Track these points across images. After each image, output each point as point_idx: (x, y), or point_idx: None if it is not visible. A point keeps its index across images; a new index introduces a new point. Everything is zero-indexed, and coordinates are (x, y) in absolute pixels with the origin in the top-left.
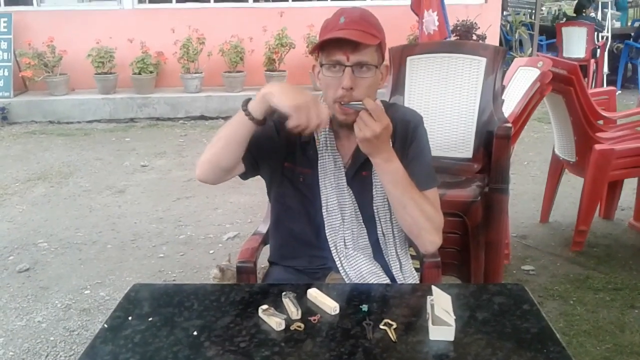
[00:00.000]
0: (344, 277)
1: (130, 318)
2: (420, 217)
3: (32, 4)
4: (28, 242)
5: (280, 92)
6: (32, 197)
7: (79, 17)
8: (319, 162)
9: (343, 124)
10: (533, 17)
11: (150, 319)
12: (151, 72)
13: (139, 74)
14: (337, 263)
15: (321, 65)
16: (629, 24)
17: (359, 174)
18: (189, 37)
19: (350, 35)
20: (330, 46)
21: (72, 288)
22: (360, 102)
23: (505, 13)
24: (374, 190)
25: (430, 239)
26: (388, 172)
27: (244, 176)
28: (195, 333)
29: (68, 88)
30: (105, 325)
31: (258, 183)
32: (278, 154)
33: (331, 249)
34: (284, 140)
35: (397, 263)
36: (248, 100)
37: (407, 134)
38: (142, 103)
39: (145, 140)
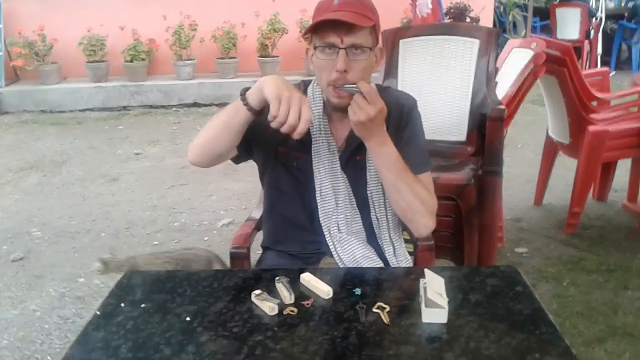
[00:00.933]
0: (338, 261)
1: (122, 305)
2: (414, 200)
3: None
4: (22, 231)
5: (271, 81)
6: (25, 186)
7: (69, 5)
8: (312, 146)
9: (337, 107)
10: None
11: (142, 305)
12: (143, 59)
13: (131, 61)
14: (330, 247)
15: (315, 48)
16: (623, 4)
17: (353, 158)
18: (181, 24)
19: (344, 16)
20: (324, 28)
21: (66, 276)
22: (355, 85)
23: None
24: (367, 174)
25: (424, 223)
26: (382, 155)
27: (237, 160)
28: (188, 319)
29: (60, 77)
30: (98, 312)
31: (252, 170)
32: (272, 139)
33: (325, 233)
34: None
35: (391, 247)
36: (247, 88)
37: (401, 118)
38: (135, 91)
39: (139, 128)
